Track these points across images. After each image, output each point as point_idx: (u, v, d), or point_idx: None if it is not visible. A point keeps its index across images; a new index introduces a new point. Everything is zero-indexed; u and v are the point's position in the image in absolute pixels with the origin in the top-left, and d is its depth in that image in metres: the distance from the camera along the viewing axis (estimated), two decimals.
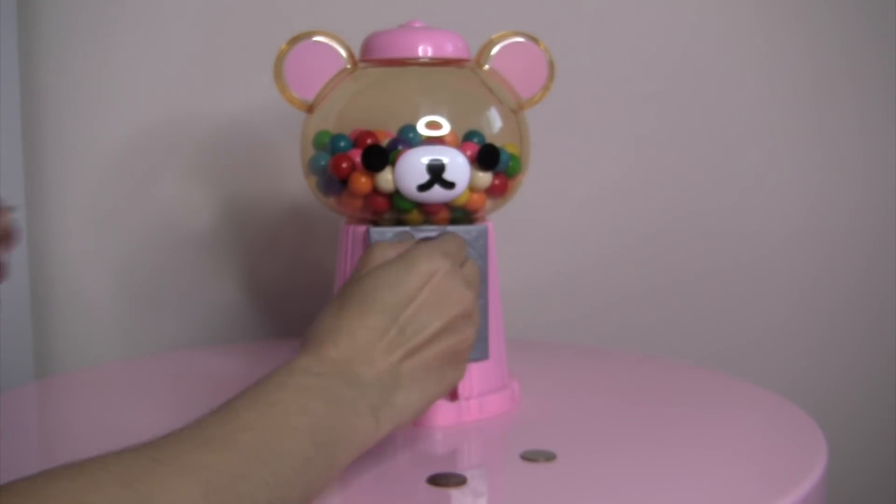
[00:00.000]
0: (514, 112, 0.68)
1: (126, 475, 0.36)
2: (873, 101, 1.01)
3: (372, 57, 0.66)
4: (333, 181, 0.64)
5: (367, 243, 0.63)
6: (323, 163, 0.65)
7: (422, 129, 0.63)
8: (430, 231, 0.63)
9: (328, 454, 0.44)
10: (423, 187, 0.61)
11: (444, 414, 0.63)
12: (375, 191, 0.62)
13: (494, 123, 0.67)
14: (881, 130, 1.02)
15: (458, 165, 0.61)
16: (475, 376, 0.65)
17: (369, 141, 0.63)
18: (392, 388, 0.49)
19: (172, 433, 0.40)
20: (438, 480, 0.53)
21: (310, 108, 0.66)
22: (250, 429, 0.41)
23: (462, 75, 0.67)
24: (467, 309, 0.53)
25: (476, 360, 0.65)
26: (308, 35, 0.65)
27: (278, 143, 0.91)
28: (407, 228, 0.63)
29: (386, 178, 0.61)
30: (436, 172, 0.61)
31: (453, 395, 0.65)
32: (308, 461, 0.43)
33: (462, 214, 0.65)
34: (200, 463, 0.39)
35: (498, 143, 0.64)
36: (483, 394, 0.65)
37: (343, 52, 0.66)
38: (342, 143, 0.64)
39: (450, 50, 0.66)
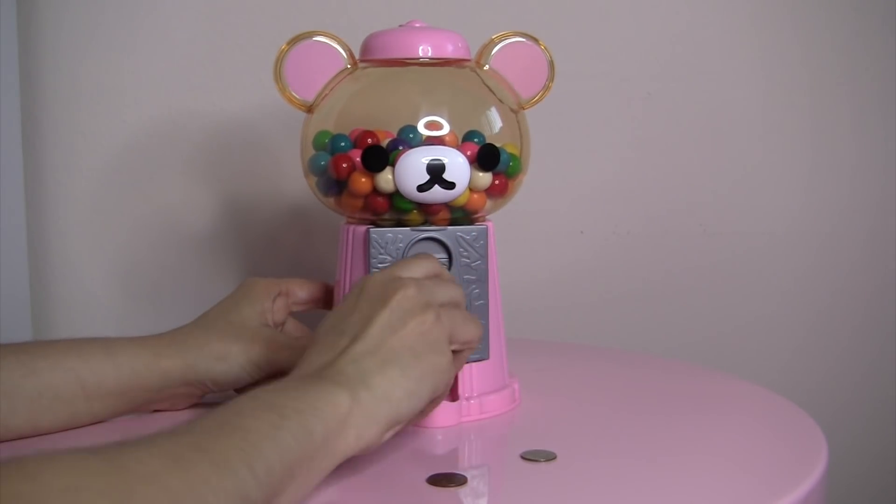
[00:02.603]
0: (514, 112, 0.68)
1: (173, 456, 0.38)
2: (867, 102, 1.01)
3: (372, 57, 0.66)
4: (333, 181, 0.64)
5: (367, 243, 0.63)
6: (323, 163, 0.65)
7: (422, 129, 0.63)
8: (429, 231, 0.63)
9: (304, 434, 0.45)
10: (423, 187, 0.61)
11: (444, 414, 0.63)
12: (375, 191, 0.62)
13: (494, 123, 0.67)
14: (874, 130, 1.02)
15: (457, 165, 0.61)
16: (475, 376, 0.65)
17: (369, 141, 0.62)
18: (363, 379, 0.49)
19: (224, 425, 0.42)
20: (438, 480, 0.53)
21: (309, 109, 0.66)
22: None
23: (462, 75, 0.67)
24: (408, 293, 0.53)
25: (476, 360, 0.65)
26: (308, 35, 0.65)
27: (278, 143, 0.91)
28: (407, 229, 0.63)
29: (386, 179, 0.61)
30: (436, 173, 0.61)
31: (453, 395, 0.65)
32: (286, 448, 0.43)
33: (462, 214, 0.65)
34: (238, 461, 0.40)
35: (498, 144, 0.64)
36: (483, 394, 0.65)
37: (343, 52, 0.66)
38: (342, 144, 0.63)
39: (450, 50, 0.66)
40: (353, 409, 0.47)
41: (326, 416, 0.46)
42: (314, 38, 0.65)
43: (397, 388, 0.50)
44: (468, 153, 0.62)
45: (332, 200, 0.66)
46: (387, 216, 0.64)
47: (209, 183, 0.92)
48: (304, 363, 0.51)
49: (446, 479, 0.53)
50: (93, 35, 0.88)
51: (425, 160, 0.61)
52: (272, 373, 0.65)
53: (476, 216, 0.66)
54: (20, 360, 0.59)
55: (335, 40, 0.66)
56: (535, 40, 0.68)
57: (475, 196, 0.64)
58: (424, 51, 0.65)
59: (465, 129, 0.65)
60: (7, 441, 0.59)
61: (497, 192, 0.65)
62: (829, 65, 1.01)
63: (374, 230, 0.63)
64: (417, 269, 0.57)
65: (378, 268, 0.63)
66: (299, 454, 0.44)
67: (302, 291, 0.71)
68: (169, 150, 0.91)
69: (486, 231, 0.64)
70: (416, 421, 0.55)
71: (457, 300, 0.57)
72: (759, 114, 1.00)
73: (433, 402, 0.55)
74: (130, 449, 0.38)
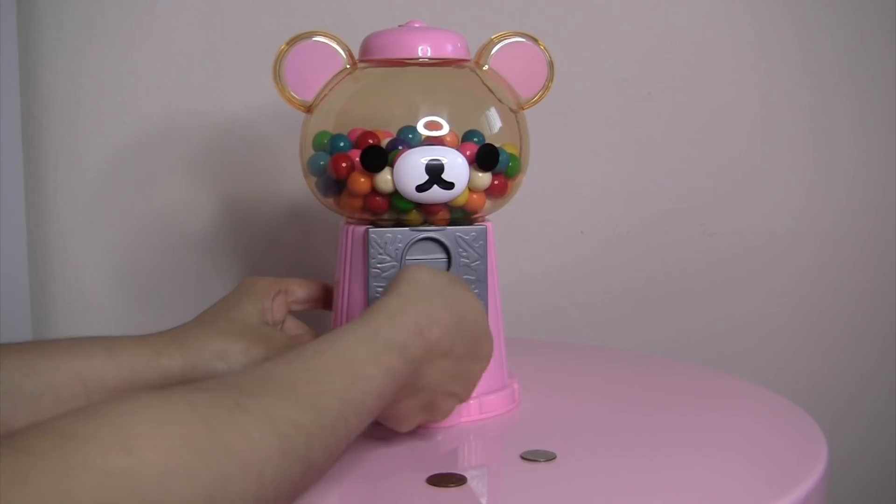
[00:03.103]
0: (514, 112, 0.68)
1: (210, 417, 0.38)
2: (867, 102, 1.01)
3: (371, 57, 0.66)
4: (333, 181, 0.64)
5: (367, 243, 0.63)
6: (322, 163, 0.65)
7: (421, 129, 0.63)
8: (429, 231, 0.63)
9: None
10: (422, 187, 0.61)
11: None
12: (374, 191, 0.62)
13: (494, 123, 0.67)
14: (874, 131, 1.02)
15: (456, 166, 0.61)
16: None
17: (369, 141, 0.62)
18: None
19: (260, 374, 0.43)
20: (438, 480, 0.53)
21: (309, 109, 0.66)
22: (333, 398, 0.44)
23: (462, 75, 0.67)
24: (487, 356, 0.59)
25: None
26: (308, 35, 0.65)
27: (278, 144, 0.91)
28: (406, 229, 0.63)
29: (385, 179, 0.61)
30: (434, 173, 0.61)
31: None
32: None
33: (461, 215, 0.65)
34: (285, 419, 0.41)
35: (497, 144, 0.64)
36: (483, 393, 0.65)
37: (342, 53, 0.66)
38: (341, 144, 0.63)
39: (449, 50, 0.66)
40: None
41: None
42: (314, 38, 0.65)
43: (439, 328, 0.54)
44: (467, 153, 0.62)
45: (331, 200, 0.66)
46: (386, 216, 0.64)
47: (209, 183, 0.92)
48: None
49: (446, 479, 0.53)
50: (93, 35, 0.88)
51: (424, 160, 0.61)
52: None
53: (475, 216, 0.66)
54: (21, 360, 0.59)
55: (335, 40, 0.66)
56: (535, 40, 0.68)
57: (474, 196, 0.64)
58: (424, 51, 0.65)
59: (465, 130, 0.65)
60: None
61: (496, 193, 0.65)
62: (829, 65, 1.01)
63: (373, 230, 0.63)
64: None
65: (377, 268, 0.63)
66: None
67: (301, 291, 0.71)
68: (169, 150, 0.91)
69: (485, 231, 0.64)
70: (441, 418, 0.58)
71: None
72: (759, 113, 1.00)
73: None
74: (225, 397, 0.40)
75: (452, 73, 0.67)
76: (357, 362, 0.47)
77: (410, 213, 0.63)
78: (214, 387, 0.41)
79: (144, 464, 0.34)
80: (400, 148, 0.62)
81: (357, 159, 0.62)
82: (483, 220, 0.67)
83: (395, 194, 0.62)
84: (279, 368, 0.45)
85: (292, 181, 0.91)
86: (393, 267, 0.63)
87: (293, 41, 0.65)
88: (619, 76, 0.97)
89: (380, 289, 0.63)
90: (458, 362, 0.55)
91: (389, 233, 0.63)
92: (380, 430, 0.57)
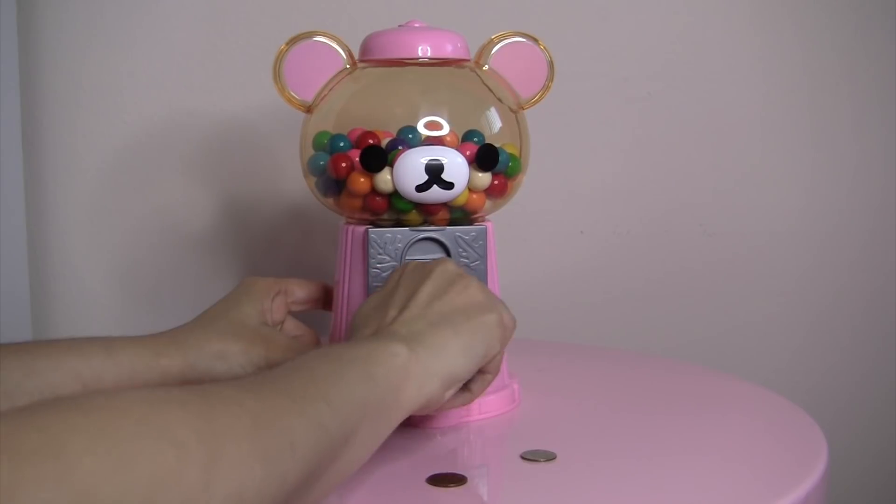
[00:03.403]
0: (514, 112, 0.68)
1: (259, 411, 0.39)
2: (867, 102, 1.01)
3: (371, 57, 0.66)
4: (332, 181, 0.64)
5: (366, 243, 0.63)
6: (322, 163, 0.65)
7: (421, 129, 0.63)
8: (428, 231, 0.63)
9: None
10: (422, 188, 0.61)
11: (444, 414, 0.63)
12: (374, 191, 0.62)
13: (494, 123, 0.67)
14: (874, 130, 1.02)
15: (456, 165, 0.61)
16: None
17: (369, 141, 0.62)
18: (411, 333, 0.51)
19: (292, 371, 0.44)
20: (438, 480, 0.53)
21: (309, 109, 0.66)
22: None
23: (462, 75, 0.67)
24: (448, 267, 0.57)
25: None
26: (307, 35, 0.65)
27: (278, 144, 0.91)
28: (406, 229, 0.63)
29: (385, 179, 0.61)
30: (434, 173, 0.61)
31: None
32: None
33: (461, 215, 0.65)
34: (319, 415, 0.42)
35: (497, 144, 0.64)
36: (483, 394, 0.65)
37: (342, 53, 0.66)
38: (341, 144, 0.63)
39: (449, 50, 0.66)
40: (410, 361, 0.49)
41: (386, 364, 0.48)
42: (314, 38, 0.65)
43: (451, 343, 0.52)
44: (467, 153, 0.62)
45: (331, 200, 0.66)
46: (386, 216, 0.64)
47: (209, 183, 0.92)
48: (353, 337, 0.54)
49: (446, 479, 0.53)
50: (93, 35, 0.88)
51: (424, 160, 0.61)
52: None
53: (475, 216, 0.66)
54: (20, 360, 0.59)
55: (335, 40, 0.66)
56: (535, 40, 0.68)
57: (474, 196, 0.64)
58: (424, 51, 0.65)
59: (465, 129, 0.65)
60: None
61: (496, 193, 0.65)
62: (829, 64, 1.01)
63: (373, 230, 0.63)
64: None
65: (377, 268, 0.63)
66: (366, 394, 0.46)
67: (301, 291, 0.71)
68: (168, 150, 0.91)
69: (485, 231, 0.64)
70: (471, 399, 0.57)
71: None
72: (758, 113, 1.00)
73: (488, 373, 0.56)
74: (208, 384, 0.40)
75: (452, 73, 0.67)
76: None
77: (410, 213, 0.63)
78: (258, 380, 0.42)
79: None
80: (400, 148, 0.62)
81: (357, 159, 0.62)
82: (483, 220, 0.67)
83: (395, 194, 0.62)
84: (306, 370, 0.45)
85: (292, 181, 0.91)
86: (393, 267, 0.63)
87: (293, 41, 0.65)
88: (619, 76, 0.97)
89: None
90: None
91: (389, 233, 0.63)
92: None
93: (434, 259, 0.59)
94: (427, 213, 0.63)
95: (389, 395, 0.47)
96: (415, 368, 0.49)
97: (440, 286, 0.55)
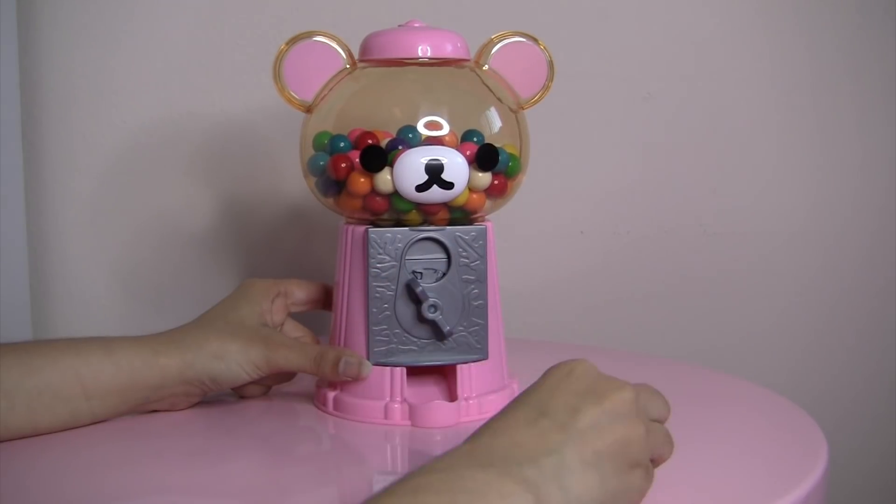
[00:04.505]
0: (514, 112, 0.68)
1: None
2: (870, 102, 1.01)
3: (371, 57, 0.66)
4: (332, 182, 0.64)
5: (366, 243, 0.63)
6: (322, 163, 0.65)
7: (421, 129, 0.63)
8: (428, 231, 0.63)
9: None
10: (422, 188, 0.61)
11: (444, 414, 0.63)
12: (374, 191, 0.62)
13: (494, 123, 0.67)
14: (878, 130, 1.02)
15: (456, 165, 0.61)
16: (474, 376, 0.65)
17: (369, 141, 0.62)
18: (556, 469, 0.43)
19: None
20: None
21: (308, 109, 0.66)
22: None
23: (461, 75, 0.67)
24: (627, 397, 0.46)
25: (475, 360, 0.65)
26: (307, 35, 0.65)
27: (278, 143, 0.91)
28: (406, 229, 0.63)
29: (384, 179, 0.61)
30: (434, 173, 0.61)
31: (452, 396, 0.65)
32: None
33: (461, 215, 0.65)
34: None
35: (497, 143, 0.64)
36: (483, 394, 0.65)
37: (342, 53, 0.66)
38: (341, 144, 0.63)
39: (449, 50, 0.66)
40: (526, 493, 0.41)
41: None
42: (313, 38, 0.65)
43: (592, 498, 0.43)
44: (467, 153, 0.62)
45: (331, 201, 0.66)
46: (386, 216, 0.64)
47: (209, 183, 0.92)
48: (494, 430, 0.45)
49: None
50: (93, 35, 0.88)
51: (424, 160, 0.61)
52: (270, 371, 0.65)
53: (475, 216, 0.66)
54: (20, 359, 0.59)
55: (334, 40, 0.66)
56: (535, 40, 0.68)
57: (474, 196, 0.64)
58: (424, 51, 0.65)
59: (465, 129, 0.65)
60: (7, 441, 0.59)
61: (496, 192, 0.65)
62: (831, 64, 1.00)
63: (372, 230, 0.63)
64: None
65: (377, 268, 0.63)
66: None
67: (301, 292, 0.71)
68: (168, 150, 0.91)
69: (484, 231, 0.64)
70: None
71: (664, 416, 0.50)
72: (759, 113, 1.00)
73: None
74: None
75: (452, 72, 0.67)
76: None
77: (410, 213, 0.63)
78: None
79: None
80: (399, 148, 0.62)
81: (357, 159, 0.62)
82: (483, 220, 0.67)
83: (395, 194, 0.62)
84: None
85: (292, 181, 0.91)
86: (393, 267, 0.63)
87: (293, 41, 0.65)
88: (619, 76, 0.97)
89: (380, 289, 0.63)
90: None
91: (389, 233, 0.63)
92: (380, 431, 0.57)
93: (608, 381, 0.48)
94: (427, 213, 0.63)
95: None
96: None
97: (609, 420, 0.45)
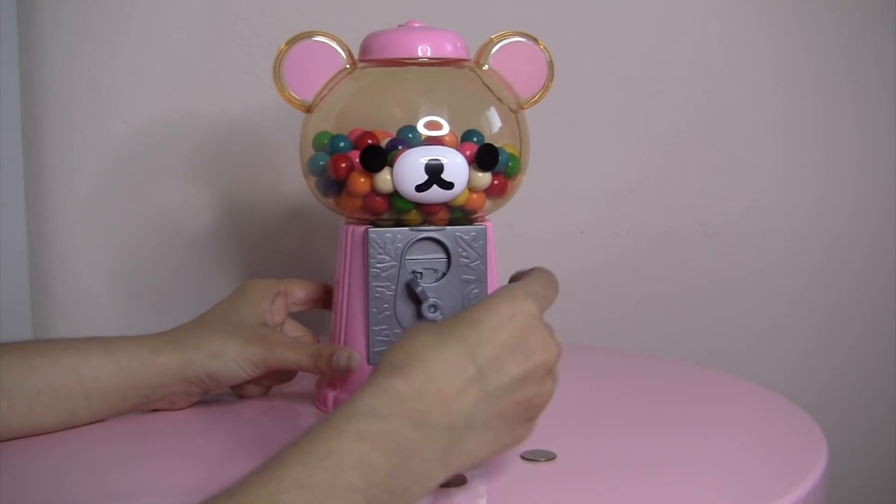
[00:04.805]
0: (514, 112, 0.68)
1: None
2: (870, 102, 1.01)
3: (371, 57, 0.66)
4: (332, 182, 0.64)
5: (366, 243, 0.63)
6: (322, 163, 0.65)
7: (421, 129, 0.63)
8: (428, 231, 0.63)
9: None
10: (422, 187, 0.61)
11: None
12: (374, 191, 0.62)
13: (494, 123, 0.67)
14: (878, 130, 1.02)
15: (456, 165, 0.61)
16: None
17: (369, 141, 0.62)
18: (464, 432, 0.45)
19: (220, 494, 0.39)
20: None
21: (308, 109, 0.66)
22: (298, 487, 0.39)
23: (461, 75, 0.67)
24: (550, 360, 0.49)
25: None
26: (307, 35, 0.65)
27: (278, 143, 0.91)
28: (406, 229, 0.63)
29: (384, 179, 0.61)
30: (434, 173, 0.61)
31: None
32: None
33: (461, 214, 0.65)
34: None
35: (497, 143, 0.64)
36: None
37: (342, 53, 0.66)
38: (341, 144, 0.64)
39: (449, 50, 0.66)
40: (438, 480, 0.45)
41: (414, 497, 0.43)
42: (313, 38, 0.65)
43: (480, 454, 0.47)
44: (467, 153, 0.62)
45: (331, 201, 0.66)
46: (386, 216, 0.64)
47: (209, 183, 0.92)
48: (428, 370, 0.45)
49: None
50: (93, 35, 0.88)
51: (423, 160, 0.61)
52: (268, 370, 0.65)
53: (475, 216, 0.66)
54: (19, 359, 0.59)
55: (334, 40, 0.66)
56: (535, 40, 0.68)
57: (474, 196, 0.64)
58: (423, 51, 0.65)
59: (465, 129, 0.65)
60: (7, 441, 0.59)
61: (496, 192, 0.65)
62: (831, 63, 1.00)
63: (372, 230, 0.63)
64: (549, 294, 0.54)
65: (377, 268, 0.63)
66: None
67: (300, 292, 0.71)
68: (168, 150, 0.91)
69: (484, 231, 0.64)
70: None
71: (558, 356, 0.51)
72: (759, 113, 1.00)
73: None
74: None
75: (452, 72, 0.67)
76: (319, 441, 0.42)
77: (410, 213, 0.63)
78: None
79: None
80: (399, 148, 0.62)
81: (357, 159, 0.62)
82: (483, 220, 0.67)
83: (395, 194, 0.62)
84: (239, 482, 0.40)
85: (292, 181, 0.91)
86: (393, 267, 0.63)
87: (293, 41, 0.65)
88: (619, 76, 0.97)
89: (380, 289, 0.63)
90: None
91: (389, 233, 0.63)
92: None
93: (542, 309, 0.51)
94: (427, 212, 0.63)
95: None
96: (435, 485, 0.44)
97: (525, 382, 0.48)
